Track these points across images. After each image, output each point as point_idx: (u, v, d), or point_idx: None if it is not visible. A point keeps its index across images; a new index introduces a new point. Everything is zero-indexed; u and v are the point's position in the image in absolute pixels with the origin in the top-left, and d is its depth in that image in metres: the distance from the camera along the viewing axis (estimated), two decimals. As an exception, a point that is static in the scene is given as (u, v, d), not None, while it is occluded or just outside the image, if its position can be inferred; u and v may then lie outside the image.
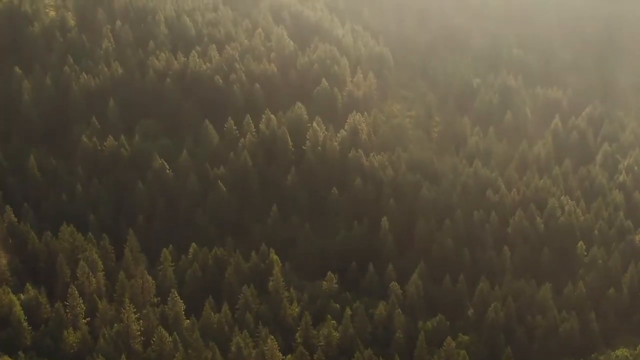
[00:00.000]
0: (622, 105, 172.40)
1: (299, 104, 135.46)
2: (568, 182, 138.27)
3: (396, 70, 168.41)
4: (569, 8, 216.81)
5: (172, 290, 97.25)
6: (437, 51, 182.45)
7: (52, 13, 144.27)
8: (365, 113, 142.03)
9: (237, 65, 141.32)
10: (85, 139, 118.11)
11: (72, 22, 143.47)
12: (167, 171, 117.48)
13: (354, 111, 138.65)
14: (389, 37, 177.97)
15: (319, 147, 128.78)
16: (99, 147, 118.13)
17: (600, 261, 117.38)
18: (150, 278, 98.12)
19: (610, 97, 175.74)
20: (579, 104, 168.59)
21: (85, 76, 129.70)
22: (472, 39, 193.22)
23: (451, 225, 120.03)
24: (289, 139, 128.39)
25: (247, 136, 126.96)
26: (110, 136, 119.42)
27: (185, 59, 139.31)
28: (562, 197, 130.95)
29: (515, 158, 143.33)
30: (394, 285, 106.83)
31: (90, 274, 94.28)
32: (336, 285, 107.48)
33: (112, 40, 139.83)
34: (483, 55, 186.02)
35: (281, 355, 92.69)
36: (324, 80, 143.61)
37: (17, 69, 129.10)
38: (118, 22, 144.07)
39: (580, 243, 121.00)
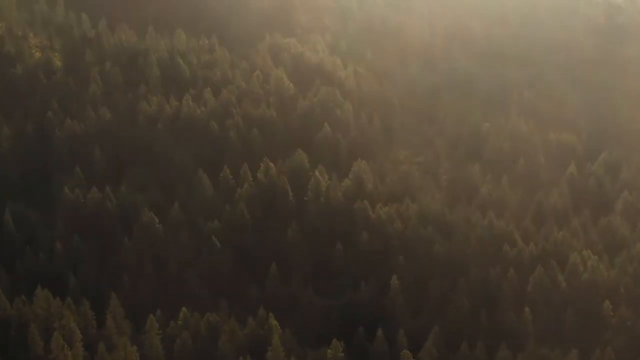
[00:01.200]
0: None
1: (299, 150, 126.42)
2: (588, 234, 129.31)
3: (401, 114, 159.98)
4: (579, 50, 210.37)
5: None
6: (444, 95, 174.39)
7: (38, 54, 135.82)
8: (371, 160, 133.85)
9: (234, 110, 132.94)
10: (67, 191, 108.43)
11: (58, 64, 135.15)
12: (157, 225, 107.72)
13: (359, 158, 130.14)
14: (394, 80, 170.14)
15: (322, 198, 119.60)
16: (82, 200, 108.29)
17: (629, 322, 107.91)
18: (134, 349, 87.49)
19: (626, 141, 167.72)
20: (594, 149, 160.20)
21: (70, 121, 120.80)
22: (479, 82, 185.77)
23: (466, 285, 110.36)
24: (289, 189, 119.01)
25: (244, 186, 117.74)
26: (94, 187, 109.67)
27: (178, 103, 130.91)
28: (584, 252, 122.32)
29: (531, 208, 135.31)
30: (406, 353, 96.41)
31: (66, 346, 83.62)
32: (342, 354, 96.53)
33: (100, 83, 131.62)
34: (491, 99, 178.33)
35: None
36: (326, 125, 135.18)
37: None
38: (107, 64, 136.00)
39: (607, 302, 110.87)
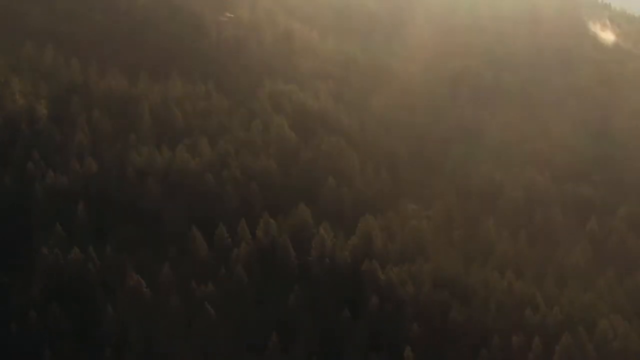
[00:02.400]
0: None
1: (302, 205, 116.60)
2: (615, 296, 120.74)
3: (409, 165, 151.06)
4: (592, 96, 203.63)
5: None
6: (453, 144, 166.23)
7: (21, 101, 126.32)
8: (379, 215, 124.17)
9: (231, 161, 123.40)
10: (45, 251, 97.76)
11: (42, 111, 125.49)
12: (144, 290, 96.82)
13: (366, 213, 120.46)
14: (400, 128, 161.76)
15: (327, 259, 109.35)
16: (62, 261, 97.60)
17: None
18: None
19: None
20: (613, 201, 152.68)
21: (53, 174, 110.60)
22: (490, 130, 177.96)
23: (488, 355, 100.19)
24: (292, 249, 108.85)
25: (242, 245, 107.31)
26: (75, 247, 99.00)
27: (171, 153, 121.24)
28: (613, 316, 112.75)
29: (552, 268, 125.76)
30: None
31: None
32: None
33: (87, 132, 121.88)
34: (503, 148, 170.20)
35: None
36: (330, 178, 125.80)
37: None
38: (96, 112, 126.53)
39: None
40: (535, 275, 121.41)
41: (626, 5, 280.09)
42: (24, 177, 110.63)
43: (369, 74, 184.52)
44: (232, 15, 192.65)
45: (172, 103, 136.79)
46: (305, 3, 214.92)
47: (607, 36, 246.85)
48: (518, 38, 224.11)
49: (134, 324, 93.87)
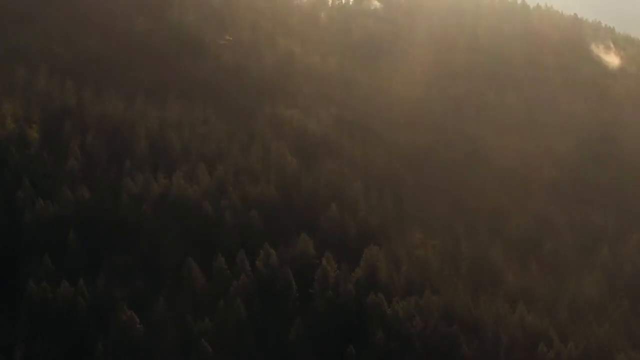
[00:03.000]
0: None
1: (304, 235, 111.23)
2: (631, 329, 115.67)
3: (414, 191, 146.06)
4: (597, 118, 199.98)
5: None
6: (459, 168, 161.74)
7: (11, 125, 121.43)
8: (384, 245, 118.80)
9: (230, 188, 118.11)
10: (33, 285, 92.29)
11: (34, 136, 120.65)
12: (137, 326, 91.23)
13: (370, 243, 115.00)
14: (405, 153, 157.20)
15: (330, 291, 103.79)
16: (50, 295, 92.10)
17: None
18: None
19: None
20: (624, 228, 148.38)
21: (42, 202, 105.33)
22: (497, 155, 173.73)
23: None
24: (293, 281, 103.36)
25: (241, 277, 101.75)
26: (65, 280, 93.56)
27: (168, 180, 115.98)
28: (631, 352, 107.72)
29: (564, 299, 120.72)
30: None
31: None
32: None
33: (79, 157, 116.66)
34: (510, 173, 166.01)
35: None
36: (333, 205, 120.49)
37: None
38: (89, 136, 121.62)
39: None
40: (548, 308, 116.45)
41: (630, 29, 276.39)
42: (12, 205, 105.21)
43: (371, 97, 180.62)
44: (232, 38, 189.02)
45: (169, 127, 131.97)
46: (306, 25, 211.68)
47: (612, 59, 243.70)
48: (521, 60, 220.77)
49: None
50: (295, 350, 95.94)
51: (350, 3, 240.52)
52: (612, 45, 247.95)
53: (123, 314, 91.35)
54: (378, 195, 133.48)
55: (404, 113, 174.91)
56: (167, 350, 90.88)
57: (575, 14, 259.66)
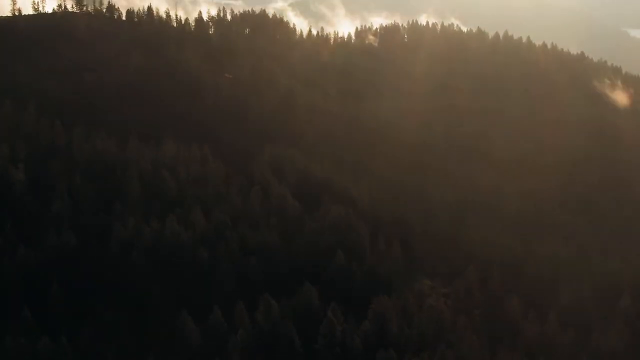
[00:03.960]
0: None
1: (307, 284, 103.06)
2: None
3: (423, 235, 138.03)
4: (609, 159, 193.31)
5: None
6: (468, 214, 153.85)
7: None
8: (393, 294, 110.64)
9: (228, 233, 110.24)
10: (10, 341, 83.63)
11: (19, 176, 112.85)
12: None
13: (379, 293, 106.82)
14: (411, 197, 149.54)
15: (337, 347, 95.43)
16: (28, 352, 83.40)
17: None
18: None
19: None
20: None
21: (24, 248, 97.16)
22: (507, 200, 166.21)
23: None
24: (296, 335, 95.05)
25: (239, 332, 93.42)
26: (45, 336, 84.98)
27: (161, 225, 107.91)
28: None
29: (585, 353, 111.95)
30: None
31: None
32: None
33: (67, 200, 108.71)
34: (521, 217, 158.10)
35: None
36: (339, 252, 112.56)
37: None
38: (78, 177, 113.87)
39: None
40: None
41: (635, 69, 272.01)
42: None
43: (375, 137, 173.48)
44: (231, 76, 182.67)
45: (163, 168, 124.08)
46: (307, 64, 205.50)
47: (620, 97, 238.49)
48: (528, 100, 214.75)
49: None
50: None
51: (352, 41, 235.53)
52: (620, 84, 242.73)
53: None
54: (385, 241, 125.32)
55: (410, 155, 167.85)
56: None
57: (582, 52, 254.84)
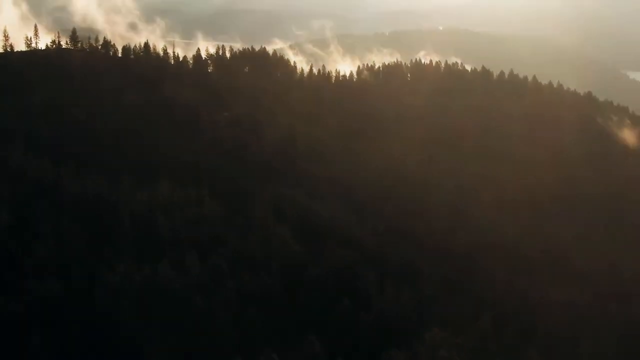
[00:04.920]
0: None
1: (311, 336, 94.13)
2: None
3: (433, 281, 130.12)
4: (625, 199, 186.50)
5: None
6: (480, 258, 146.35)
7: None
8: (403, 346, 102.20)
9: (226, 280, 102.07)
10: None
11: (2, 218, 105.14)
12: None
13: (389, 345, 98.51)
14: (421, 240, 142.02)
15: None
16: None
17: None
18: None
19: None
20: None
21: (3, 299, 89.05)
22: (516, 239, 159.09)
23: None
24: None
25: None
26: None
27: (153, 270, 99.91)
28: None
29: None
30: None
31: None
32: None
33: (51, 243, 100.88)
34: (535, 262, 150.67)
35: None
36: (345, 299, 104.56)
37: None
38: (65, 219, 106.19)
39: None
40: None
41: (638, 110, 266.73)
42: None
43: (380, 177, 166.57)
44: (230, 115, 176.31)
45: (157, 210, 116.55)
46: (308, 102, 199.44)
47: (629, 137, 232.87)
48: (535, 140, 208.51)
49: None
50: None
51: (354, 80, 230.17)
52: (628, 123, 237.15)
53: None
54: (394, 287, 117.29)
55: (416, 196, 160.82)
56: None
57: (589, 91, 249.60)
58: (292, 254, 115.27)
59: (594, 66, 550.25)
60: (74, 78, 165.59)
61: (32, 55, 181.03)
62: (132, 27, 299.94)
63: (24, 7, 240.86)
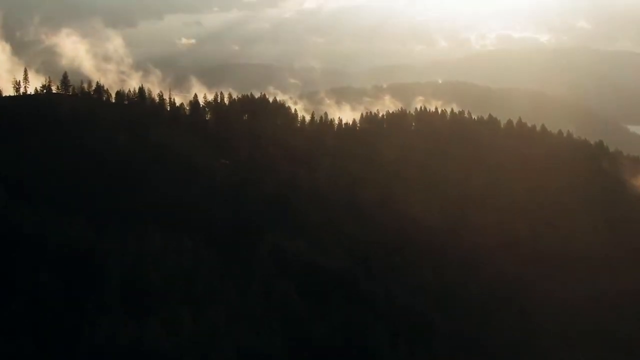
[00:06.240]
0: None
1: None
2: None
3: (448, 340, 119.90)
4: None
5: None
6: (494, 312, 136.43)
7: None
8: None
9: (222, 339, 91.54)
10: None
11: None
12: None
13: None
14: (435, 294, 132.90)
15: None
16: None
17: None
18: None
19: None
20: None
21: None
22: (532, 296, 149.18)
23: None
24: None
25: None
26: None
27: (140, 328, 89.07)
28: None
29: None
30: None
31: None
32: None
33: (28, 298, 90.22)
34: (553, 322, 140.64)
35: None
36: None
37: None
38: (44, 272, 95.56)
39: None
40: None
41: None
42: None
43: (387, 227, 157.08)
44: (228, 162, 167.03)
45: (148, 261, 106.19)
46: (309, 149, 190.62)
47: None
48: (550, 190, 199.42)
49: None
50: None
51: (357, 128, 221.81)
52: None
53: None
54: (407, 347, 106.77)
55: (427, 246, 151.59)
56: None
57: (600, 140, 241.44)
58: (296, 309, 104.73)
59: (595, 119, 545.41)
60: (63, 123, 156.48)
61: (21, 100, 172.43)
62: (125, 74, 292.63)
63: (8, 48, 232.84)
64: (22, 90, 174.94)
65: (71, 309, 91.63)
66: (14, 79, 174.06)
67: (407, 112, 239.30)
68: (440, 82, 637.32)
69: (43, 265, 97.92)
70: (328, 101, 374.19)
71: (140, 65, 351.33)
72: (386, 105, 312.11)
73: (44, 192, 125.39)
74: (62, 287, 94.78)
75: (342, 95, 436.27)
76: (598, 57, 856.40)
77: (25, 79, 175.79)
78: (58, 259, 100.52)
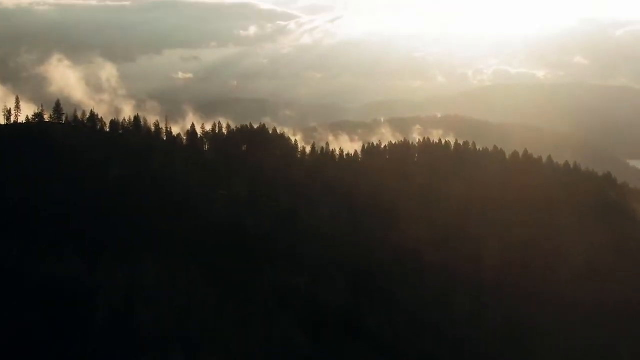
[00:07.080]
0: None
1: None
2: None
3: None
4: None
5: None
6: (501, 348, 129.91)
7: None
8: None
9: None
10: None
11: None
12: None
13: None
14: (440, 330, 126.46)
15: None
16: None
17: None
18: None
19: None
20: None
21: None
22: (540, 331, 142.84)
23: None
24: None
25: None
26: None
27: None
28: None
29: None
30: None
31: None
32: None
33: (10, 340, 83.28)
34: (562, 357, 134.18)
35: None
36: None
37: None
38: (28, 308, 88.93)
39: None
40: None
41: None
42: None
43: (390, 260, 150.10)
44: (226, 193, 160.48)
45: (140, 297, 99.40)
46: (310, 180, 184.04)
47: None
48: (561, 223, 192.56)
49: None
50: None
51: (359, 159, 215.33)
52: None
53: None
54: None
55: (432, 280, 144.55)
56: None
57: (608, 172, 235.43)
58: (298, 348, 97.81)
59: (596, 154, 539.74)
60: (56, 152, 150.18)
61: (12, 129, 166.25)
62: (119, 104, 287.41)
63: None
64: (12, 118, 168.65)
65: (54, 352, 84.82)
66: (5, 106, 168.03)
67: (410, 143, 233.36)
68: (439, 116, 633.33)
69: (24, 302, 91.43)
70: (322, 133, 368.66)
71: (135, 96, 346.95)
72: (385, 138, 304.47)
73: (26, 223, 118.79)
74: (45, 327, 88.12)
75: (340, 128, 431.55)
76: (595, 92, 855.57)
77: (17, 107, 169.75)
78: (40, 297, 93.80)
